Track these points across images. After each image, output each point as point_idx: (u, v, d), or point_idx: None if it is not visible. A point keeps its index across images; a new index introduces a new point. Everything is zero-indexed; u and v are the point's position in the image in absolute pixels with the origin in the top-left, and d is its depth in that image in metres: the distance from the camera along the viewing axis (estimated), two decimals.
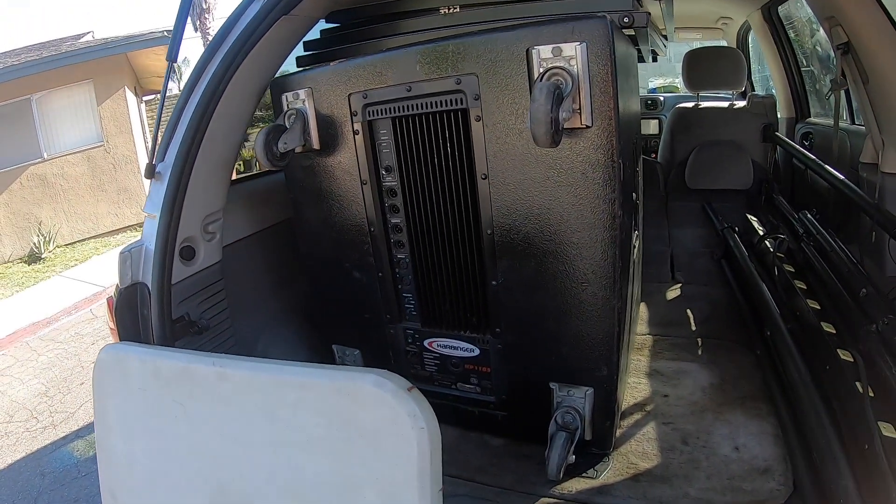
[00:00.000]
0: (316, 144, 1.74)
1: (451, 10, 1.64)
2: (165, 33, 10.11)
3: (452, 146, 1.58)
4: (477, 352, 1.79)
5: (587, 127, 1.36)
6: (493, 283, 1.65)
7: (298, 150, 1.73)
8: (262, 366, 1.13)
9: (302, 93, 1.72)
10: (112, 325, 1.68)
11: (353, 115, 1.67)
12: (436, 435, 0.95)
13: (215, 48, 1.66)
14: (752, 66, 4.22)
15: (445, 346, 1.84)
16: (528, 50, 1.37)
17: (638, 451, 1.78)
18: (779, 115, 3.48)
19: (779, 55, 3.40)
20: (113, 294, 1.69)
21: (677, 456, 1.74)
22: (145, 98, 13.63)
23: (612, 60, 1.32)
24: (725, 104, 3.40)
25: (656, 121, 4.89)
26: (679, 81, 5.47)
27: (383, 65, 1.59)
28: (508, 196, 1.52)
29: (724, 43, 4.31)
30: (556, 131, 1.22)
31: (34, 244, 9.85)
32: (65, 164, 10.32)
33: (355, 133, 1.69)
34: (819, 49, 3.36)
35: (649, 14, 1.56)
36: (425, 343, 1.88)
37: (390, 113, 1.63)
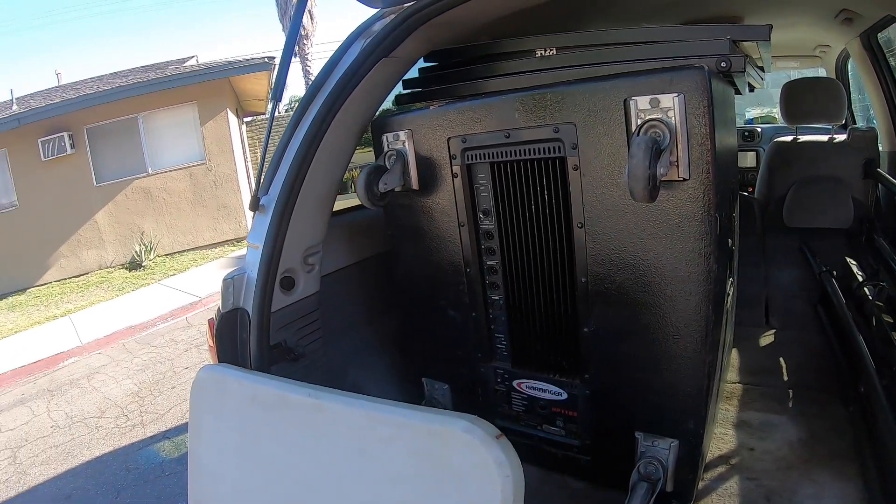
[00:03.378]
0: (415, 185, 1.78)
1: (546, 53, 1.64)
2: (266, 59, 10.71)
3: (550, 194, 1.59)
4: (565, 396, 1.78)
5: (684, 180, 1.34)
6: (585, 329, 1.64)
7: (398, 189, 1.78)
8: (357, 401, 1.16)
9: (402, 134, 1.77)
10: (211, 343, 1.76)
11: (451, 158, 1.71)
12: (520, 483, 0.95)
13: (318, 87, 1.73)
14: (853, 96, 3.99)
15: (534, 388, 1.84)
16: (625, 101, 1.36)
17: None
18: (881, 148, 3.26)
19: (879, 85, 3.16)
20: (214, 317, 1.76)
21: None
22: (246, 119, 14.41)
23: (710, 112, 1.30)
24: (825, 138, 3.22)
25: (753, 153, 4.69)
26: (777, 111, 5.28)
27: (482, 110, 1.62)
28: (603, 245, 1.51)
29: (822, 71, 4.12)
30: (654, 187, 1.21)
31: (136, 252, 10.54)
32: (168, 180, 11.06)
33: (454, 176, 1.72)
34: None
35: (747, 57, 1.51)
36: (514, 383, 1.88)
37: (489, 158, 1.66)
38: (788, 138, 3.31)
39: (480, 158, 1.67)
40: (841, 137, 3.16)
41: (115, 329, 6.95)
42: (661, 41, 1.48)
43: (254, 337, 1.68)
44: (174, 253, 11.13)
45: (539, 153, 1.56)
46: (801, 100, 3.17)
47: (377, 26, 1.78)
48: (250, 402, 1.33)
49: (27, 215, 10.74)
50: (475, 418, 1.02)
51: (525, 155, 1.58)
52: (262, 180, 1.73)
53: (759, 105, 6.79)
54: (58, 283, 10.74)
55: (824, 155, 3.12)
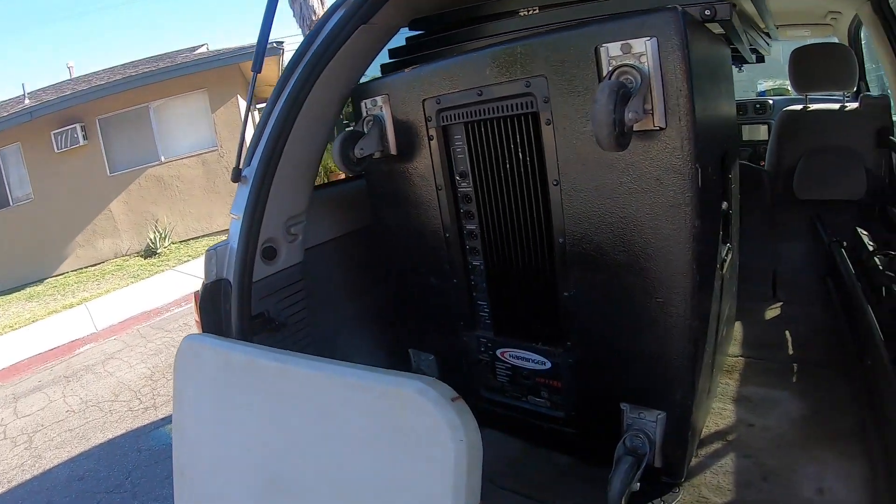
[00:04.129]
0: (393, 150, 1.76)
1: (529, 13, 1.60)
2: (275, 44, 10.67)
3: (524, 151, 1.54)
4: (548, 365, 1.73)
5: (661, 129, 1.27)
6: (565, 294, 1.58)
7: (377, 155, 1.75)
8: (319, 364, 1.15)
9: (379, 99, 1.74)
10: (197, 317, 1.76)
11: (427, 120, 1.68)
12: (476, 448, 0.92)
13: (300, 57, 1.71)
14: (867, 65, 3.81)
15: (517, 357, 1.80)
16: (596, 48, 1.30)
17: (712, 484, 1.66)
18: (895, 118, 3.15)
19: (893, 51, 3.04)
20: (199, 289, 1.77)
21: (754, 493, 1.61)
22: (258, 105, 14.40)
23: (686, 56, 1.23)
24: (836, 106, 3.11)
25: (766, 126, 4.59)
26: (790, 84, 5.14)
27: (455, 69, 1.58)
28: (580, 203, 1.45)
29: (834, 40, 3.99)
30: (622, 133, 1.15)
31: (150, 240, 10.68)
32: (181, 167, 11.16)
33: (430, 138, 1.69)
34: None
35: (733, 5, 1.44)
36: (498, 353, 1.84)
37: (463, 118, 1.62)
38: (798, 107, 3.20)
39: (455, 119, 1.63)
40: (853, 106, 3.04)
41: (129, 315, 7.06)
42: None
43: (235, 307, 1.67)
44: (188, 239, 11.25)
45: (512, 109, 1.51)
46: (811, 66, 3.06)
47: None
48: (224, 368, 1.33)
49: (43, 207, 10.91)
50: (431, 380, 0.99)
51: (498, 112, 1.54)
52: (244, 152, 1.72)
53: (772, 77, 6.62)
54: (74, 272, 10.91)
55: (835, 124, 3.01)
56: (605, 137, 1.15)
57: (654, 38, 1.23)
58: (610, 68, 1.28)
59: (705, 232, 1.39)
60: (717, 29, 1.66)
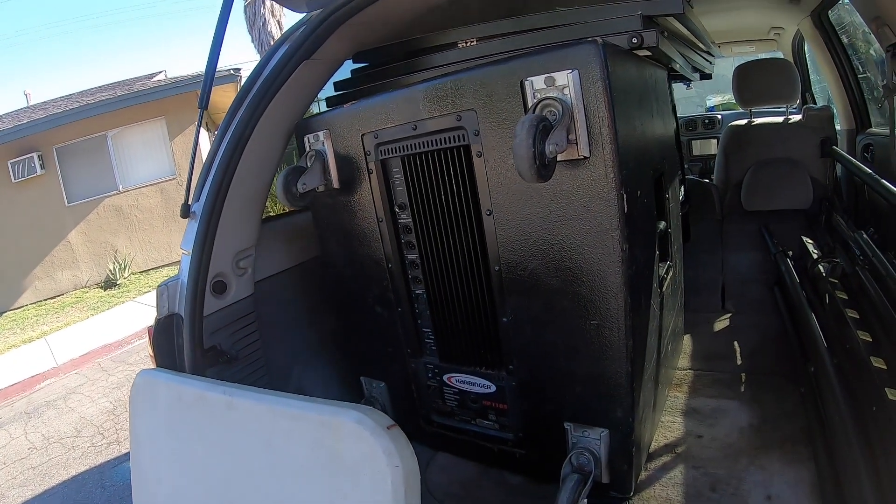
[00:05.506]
0: (336, 184, 1.79)
1: (468, 45, 1.65)
2: (232, 71, 10.62)
3: (458, 183, 1.58)
4: (493, 388, 1.77)
5: (585, 158, 1.31)
6: (504, 319, 1.62)
7: (321, 188, 1.78)
8: (263, 396, 1.19)
9: (321, 134, 1.77)
10: (151, 352, 1.78)
11: (366, 154, 1.71)
12: (413, 474, 0.96)
13: (245, 93, 1.75)
14: (812, 77, 3.96)
15: (464, 382, 1.83)
16: (521, 82, 1.34)
17: (661, 497, 1.68)
18: (838, 127, 3.24)
19: (833, 63, 3.13)
20: (152, 324, 1.78)
21: None
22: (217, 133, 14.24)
23: (607, 86, 1.26)
24: (780, 119, 3.20)
25: (715, 140, 4.67)
26: None
27: (391, 105, 1.62)
28: (513, 232, 1.49)
29: (779, 54, 4.07)
30: (543, 165, 1.18)
31: (110, 271, 10.44)
32: (139, 196, 10.96)
33: (370, 172, 1.73)
34: (874, 54, 3.10)
35: (662, 32, 1.49)
36: (445, 378, 1.87)
37: (400, 152, 1.65)
38: (743, 122, 3.28)
39: (392, 153, 1.67)
40: (796, 118, 3.13)
41: (90, 348, 6.90)
42: (567, 24, 1.47)
43: (186, 341, 1.69)
44: (149, 270, 11.04)
45: (445, 142, 1.55)
46: (754, 81, 3.17)
47: (301, 30, 1.79)
48: (176, 403, 1.36)
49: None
50: (368, 409, 1.03)
51: (433, 146, 1.58)
52: (192, 187, 1.75)
53: (721, 93, 6.81)
54: (33, 305, 10.60)
55: (780, 136, 3.10)
56: (526, 170, 1.18)
57: (576, 71, 1.27)
58: (534, 101, 1.32)
59: (636, 254, 1.43)
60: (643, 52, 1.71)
